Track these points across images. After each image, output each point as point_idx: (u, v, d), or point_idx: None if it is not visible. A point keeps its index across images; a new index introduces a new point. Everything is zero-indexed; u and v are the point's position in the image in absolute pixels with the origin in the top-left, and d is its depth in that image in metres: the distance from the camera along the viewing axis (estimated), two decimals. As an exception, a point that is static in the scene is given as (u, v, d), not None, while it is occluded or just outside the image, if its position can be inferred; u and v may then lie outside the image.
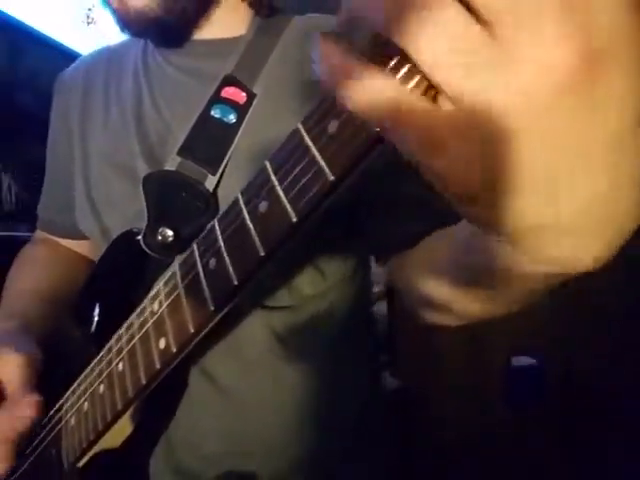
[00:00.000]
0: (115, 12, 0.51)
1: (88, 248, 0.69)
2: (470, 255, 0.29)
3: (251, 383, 0.54)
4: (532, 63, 0.15)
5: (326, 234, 0.52)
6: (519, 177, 0.17)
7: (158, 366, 0.37)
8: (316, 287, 0.54)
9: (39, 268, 0.66)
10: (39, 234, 0.72)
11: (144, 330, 0.40)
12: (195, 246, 0.36)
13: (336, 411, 0.57)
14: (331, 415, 0.57)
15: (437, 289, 0.37)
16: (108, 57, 0.65)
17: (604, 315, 1.48)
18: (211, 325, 0.33)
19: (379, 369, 0.74)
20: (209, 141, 0.51)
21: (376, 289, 0.97)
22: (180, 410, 0.54)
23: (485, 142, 0.17)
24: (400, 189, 0.46)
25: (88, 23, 1.56)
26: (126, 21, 0.51)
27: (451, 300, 0.36)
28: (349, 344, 0.59)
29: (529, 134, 0.17)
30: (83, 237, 0.65)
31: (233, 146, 0.50)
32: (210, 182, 0.50)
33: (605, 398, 1.48)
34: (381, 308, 1.52)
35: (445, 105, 0.17)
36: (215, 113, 0.51)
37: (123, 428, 0.46)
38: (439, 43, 0.16)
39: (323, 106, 0.24)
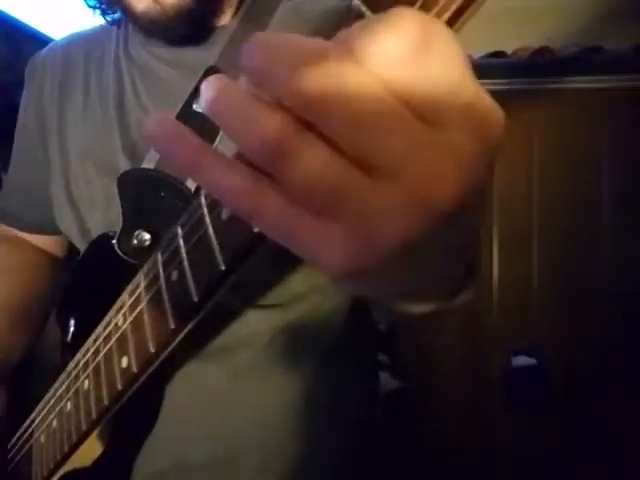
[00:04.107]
0: (139, 13, 0.47)
1: (54, 243, 0.65)
2: None
3: (239, 386, 0.51)
4: None
5: None
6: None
7: (120, 387, 0.34)
8: (308, 282, 0.51)
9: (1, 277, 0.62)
10: None
11: (108, 346, 0.37)
12: (159, 255, 0.32)
13: (332, 413, 0.54)
14: (326, 418, 0.54)
15: None
16: (87, 42, 0.60)
17: (604, 315, 1.47)
18: (173, 345, 0.30)
19: (378, 369, 0.71)
20: None
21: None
22: (163, 416, 0.50)
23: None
24: None
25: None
26: (152, 20, 0.47)
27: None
28: (345, 344, 0.56)
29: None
30: (51, 232, 0.61)
31: (217, 142, 0.47)
32: (192, 181, 0.47)
33: (605, 398, 1.47)
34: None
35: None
36: (198, 107, 0.48)
37: (91, 448, 0.43)
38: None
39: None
